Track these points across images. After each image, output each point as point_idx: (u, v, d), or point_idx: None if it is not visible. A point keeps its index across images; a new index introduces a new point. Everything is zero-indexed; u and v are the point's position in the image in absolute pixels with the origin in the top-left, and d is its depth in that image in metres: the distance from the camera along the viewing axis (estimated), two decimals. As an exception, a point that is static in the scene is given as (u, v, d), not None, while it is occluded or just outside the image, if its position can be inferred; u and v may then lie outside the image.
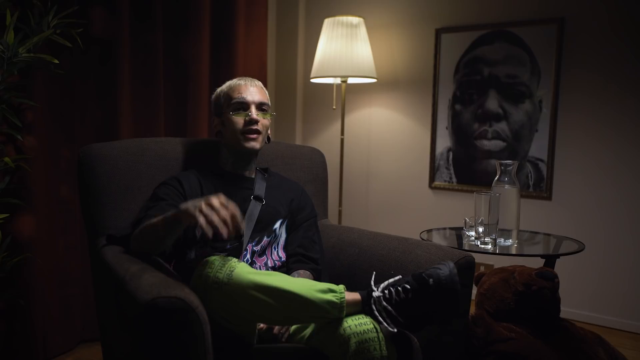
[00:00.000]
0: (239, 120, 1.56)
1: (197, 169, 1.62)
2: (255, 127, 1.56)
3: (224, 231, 1.14)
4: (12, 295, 2.04)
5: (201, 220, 1.14)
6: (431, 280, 1.22)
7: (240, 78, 1.64)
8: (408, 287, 1.23)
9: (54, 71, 2.03)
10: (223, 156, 1.65)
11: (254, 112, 1.56)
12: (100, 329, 1.60)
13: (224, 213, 1.15)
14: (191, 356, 1.08)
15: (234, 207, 1.18)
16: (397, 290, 1.23)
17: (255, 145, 1.57)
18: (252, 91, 1.59)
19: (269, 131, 1.67)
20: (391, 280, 1.27)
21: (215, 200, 1.17)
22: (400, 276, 1.28)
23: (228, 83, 1.65)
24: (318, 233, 1.72)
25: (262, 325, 1.35)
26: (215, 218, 1.14)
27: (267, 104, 1.62)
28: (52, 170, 2.21)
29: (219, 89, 1.66)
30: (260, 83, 1.66)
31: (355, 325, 1.21)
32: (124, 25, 2.33)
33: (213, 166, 1.65)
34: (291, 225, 1.66)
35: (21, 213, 2.06)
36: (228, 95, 1.60)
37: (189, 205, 1.20)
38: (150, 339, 1.07)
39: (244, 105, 1.57)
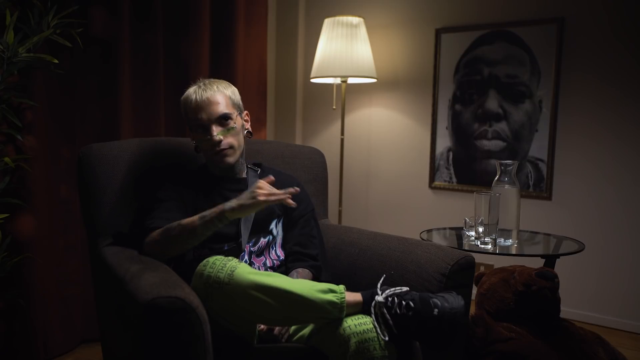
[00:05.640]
0: (203, 144, 1.50)
1: (189, 171, 1.61)
2: (220, 146, 1.48)
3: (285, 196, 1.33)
4: (12, 295, 2.04)
5: (270, 198, 1.32)
6: (436, 310, 1.21)
7: (195, 89, 1.51)
8: (412, 305, 1.22)
9: (54, 71, 2.03)
10: (210, 164, 1.60)
11: (214, 132, 1.47)
12: (100, 329, 1.60)
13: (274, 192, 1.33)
14: (191, 356, 1.08)
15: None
16: (400, 303, 1.23)
17: (230, 160, 1.51)
18: (208, 108, 1.47)
19: (248, 126, 1.59)
20: (397, 290, 1.26)
21: (262, 185, 1.34)
22: (408, 289, 1.28)
23: (185, 96, 1.53)
24: (317, 226, 1.69)
25: (262, 326, 1.35)
26: (273, 192, 1.33)
27: (228, 114, 1.49)
28: (52, 170, 2.21)
29: (181, 98, 1.55)
30: (215, 87, 1.52)
31: (355, 325, 1.21)
32: (124, 25, 2.33)
33: (205, 169, 1.62)
34: (288, 222, 1.63)
35: (21, 213, 2.06)
36: (188, 115, 1.51)
37: (241, 200, 1.34)
38: (151, 339, 1.07)
39: (204, 127, 1.48)
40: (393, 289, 1.26)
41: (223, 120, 1.49)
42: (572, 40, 2.73)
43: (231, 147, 1.50)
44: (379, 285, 1.28)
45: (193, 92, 1.51)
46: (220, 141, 1.48)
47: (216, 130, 1.48)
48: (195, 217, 1.36)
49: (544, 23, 2.77)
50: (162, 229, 1.39)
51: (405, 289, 1.27)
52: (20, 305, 2.08)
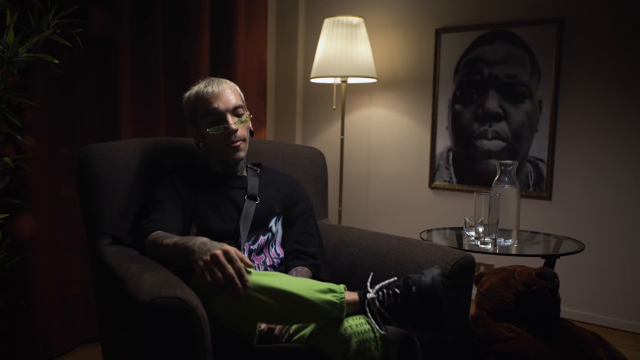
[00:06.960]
0: (218, 135, 1.51)
1: (189, 170, 1.61)
2: (236, 137, 1.51)
3: (226, 291, 1.14)
4: (12, 295, 2.04)
5: (207, 277, 1.14)
6: (414, 287, 1.22)
7: (207, 82, 1.55)
8: (398, 291, 1.23)
9: (54, 71, 2.03)
10: (211, 162, 1.61)
11: (231, 122, 1.50)
12: (100, 329, 1.60)
13: (230, 271, 1.14)
14: (191, 356, 1.08)
15: (241, 259, 1.16)
16: (388, 294, 1.24)
17: (241, 153, 1.54)
18: (223, 97, 1.51)
19: (250, 125, 1.60)
20: (385, 282, 1.27)
21: (221, 255, 1.15)
22: (395, 278, 1.28)
23: (196, 90, 1.56)
24: (316, 225, 1.70)
25: (263, 326, 1.35)
26: (219, 276, 1.13)
27: (242, 105, 1.55)
28: (52, 170, 2.21)
29: (187, 95, 1.58)
30: (227, 81, 1.58)
31: (356, 325, 1.21)
32: (124, 25, 2.33)
33: (205, 167, 1.63)
34: (287, 220, 1.64)
35: (21, 213, 2.06)
36: (200, 107, 1.53)
37: (198, 249, 1.19)
38: (150, 339, 1.07)
39: (219, 117, 1.51)
40: (381, 282, 1.27)
41: (237, 111, 1.53)
42: (572, 40, 2.73)
43: (244, 139, 1.54)
44: (368, 283, 1.29)
45: (206, 84, 1.55)
46: (236, 130, 1.51)
47: (232, 120, 1.51)
48: (172, 244, 1.29)
49: (544, 23, 2.77)
50: (151, 240, 1.37)
51: (392, 279, 1.28)
52: (20, 305, 2.08)
